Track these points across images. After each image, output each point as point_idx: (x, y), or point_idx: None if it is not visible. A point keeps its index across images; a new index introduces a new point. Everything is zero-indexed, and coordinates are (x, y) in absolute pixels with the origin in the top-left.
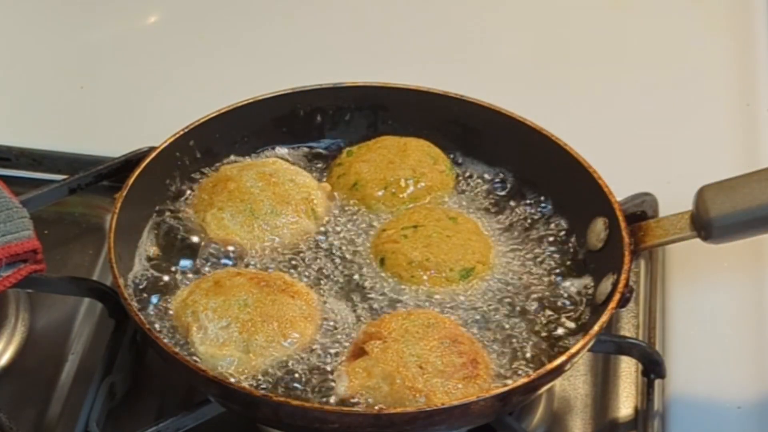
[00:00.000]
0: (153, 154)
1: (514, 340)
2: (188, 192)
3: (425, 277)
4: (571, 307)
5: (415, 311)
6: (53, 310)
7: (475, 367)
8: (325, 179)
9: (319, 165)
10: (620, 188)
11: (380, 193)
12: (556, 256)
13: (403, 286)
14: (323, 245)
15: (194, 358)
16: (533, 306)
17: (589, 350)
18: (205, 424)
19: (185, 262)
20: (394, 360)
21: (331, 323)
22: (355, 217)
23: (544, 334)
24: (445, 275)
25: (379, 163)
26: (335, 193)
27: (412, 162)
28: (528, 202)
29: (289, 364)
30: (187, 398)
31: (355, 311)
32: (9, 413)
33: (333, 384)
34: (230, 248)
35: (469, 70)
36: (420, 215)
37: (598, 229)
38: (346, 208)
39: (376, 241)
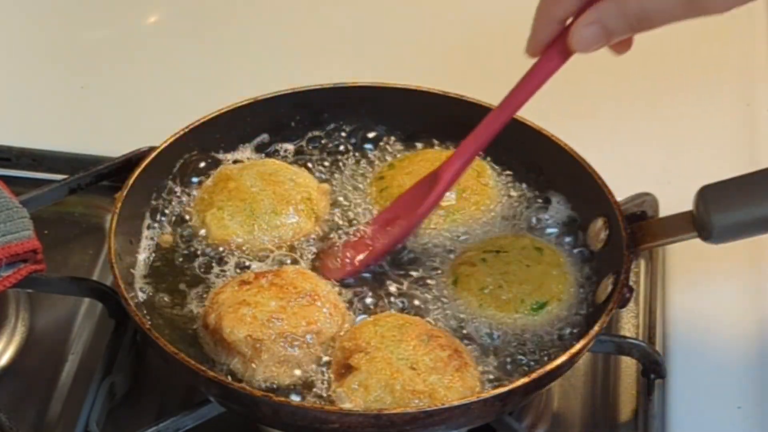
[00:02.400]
0: (153, 154)
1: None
2: (188, 192)
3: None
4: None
5: (380, 316)
6: (53, 310)
7: (460, 356)
8: (325, 182)
9: (319, 165)
10: (620, 188)
11: None
12: None
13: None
14: None
15: None
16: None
17: (589, 350)
18: (205, 424)
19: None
20: (386, 368)
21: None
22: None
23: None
24: (514, 306)
25: (422, 176)
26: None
27: None
28: (527, 201)
29: None
30: (187, 398)
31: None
32: (9, 413)
33: None
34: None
35: (468, 70)
36: (506, 241)
37: (598, 229)
38: None
39: (454, 261)
